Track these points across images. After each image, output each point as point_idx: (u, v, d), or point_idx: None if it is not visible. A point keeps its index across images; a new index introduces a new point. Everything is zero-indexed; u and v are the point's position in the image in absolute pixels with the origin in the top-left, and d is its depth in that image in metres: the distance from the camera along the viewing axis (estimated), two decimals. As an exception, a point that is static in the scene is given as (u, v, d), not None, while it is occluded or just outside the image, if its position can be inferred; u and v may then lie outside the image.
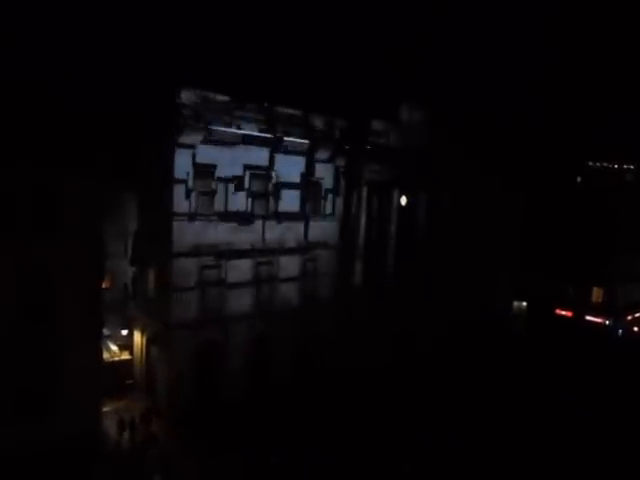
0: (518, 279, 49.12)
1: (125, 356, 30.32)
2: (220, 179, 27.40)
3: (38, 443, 20.93)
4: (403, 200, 36.68)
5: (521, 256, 48.72)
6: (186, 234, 26.26)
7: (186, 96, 24.83)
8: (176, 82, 24.97)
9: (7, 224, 20.79)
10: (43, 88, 22.88)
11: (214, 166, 26.98)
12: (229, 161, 27.44)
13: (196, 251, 26.66)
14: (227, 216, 27.89)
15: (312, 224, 32.30)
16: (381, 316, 34.55)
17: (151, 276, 28.37)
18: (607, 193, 48.49)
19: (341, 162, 33.23)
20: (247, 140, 27.87)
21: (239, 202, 28.36)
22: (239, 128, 27.27)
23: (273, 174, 29.77)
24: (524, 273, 49.16)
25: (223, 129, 26.59)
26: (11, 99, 21.37)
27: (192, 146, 25.85)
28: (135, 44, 29.63)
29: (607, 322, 47.95)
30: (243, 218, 28.57)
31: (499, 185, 43.60)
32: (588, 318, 48.61)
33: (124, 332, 30.80)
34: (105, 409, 25.43)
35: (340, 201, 33.86)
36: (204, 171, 26.65)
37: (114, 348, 30.41)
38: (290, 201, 30.92)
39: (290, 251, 31.07)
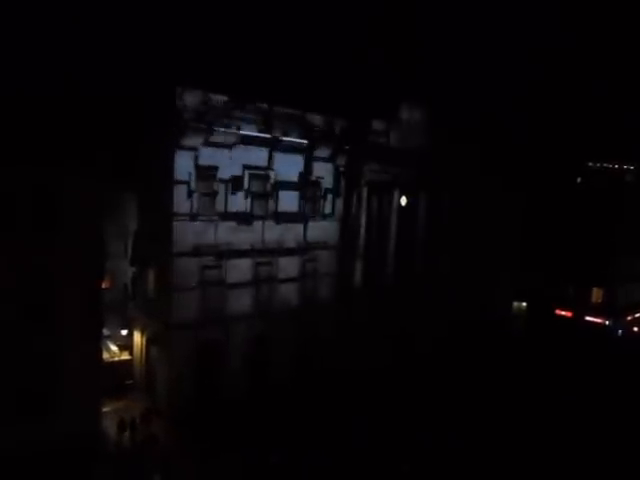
0: (518, 279, 49.13)
1: (125, 356, 30.34)
2: (220, 180, 27.34)
3: (38, 443, 20.92)
4: (403, 200, 36.71)
5: (521, 256, 48.74)
6: (186, 234, 26.26)
7: (186, 96, 24.84)
8: (176, 82, 24.94)
9: (7, 224, 20.78)
10: (43, 88, 22.86)
11: (215, 168, 26.98)
12: (228, 161, 27.40)
13: (196, 251, 26.66)
14: (227, 216, 27.89)
15: (312, 224, 32.30)
16: (381, 316, 34.55)
17: (151, 276, 28.38)
18: (607, 194, 48.55)
19: (341, 162, 33.23)
20: (246, 140, 27.85)
21: (239, 202, 28.34)
22: (239, 129, 27.26)
23: (272, 174, 29.76)
24: (524, 273, 49.18)
25: (223, 130, 26.58)
26: (11, 99, 21.36)
27: (193, 148, 25.86)
28: (135, 44, 29.62)
29: (607, 322, 47.99)
30: (243, 218, 28.57)
31: (499, 185, 43.63)
32: (588, 318, 48.66)
33: (124, 332, 30.82)
34: (105, 409, 25.43)
35: (340, 201, 33.85)
36: (205, 173, 26.65)
37: (114, 348, 30.43)
38: (290, 201, 30.90)
39: (290, 251, 31.07)
